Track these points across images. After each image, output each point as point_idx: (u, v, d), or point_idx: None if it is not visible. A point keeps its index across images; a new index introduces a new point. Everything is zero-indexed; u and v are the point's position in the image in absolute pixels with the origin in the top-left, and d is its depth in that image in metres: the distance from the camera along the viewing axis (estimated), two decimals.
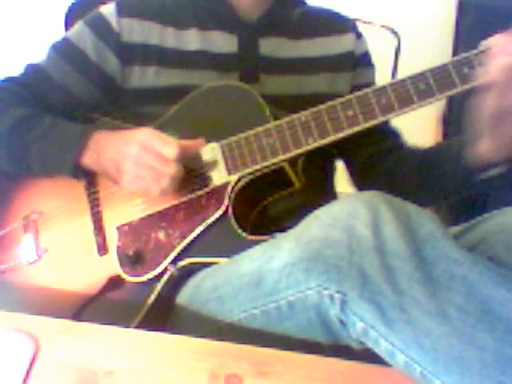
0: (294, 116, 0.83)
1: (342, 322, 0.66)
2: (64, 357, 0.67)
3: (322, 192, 0.98)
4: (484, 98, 0.76)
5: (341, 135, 0.82)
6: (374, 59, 1.12)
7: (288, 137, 0.83)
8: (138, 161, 0.81)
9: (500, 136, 0.79)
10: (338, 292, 0.64)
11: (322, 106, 0.82)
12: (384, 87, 0.81)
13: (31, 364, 0.66)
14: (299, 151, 0.83)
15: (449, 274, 0.62)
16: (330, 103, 0.82)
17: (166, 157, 0.80)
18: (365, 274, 0.63)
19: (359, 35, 1.06)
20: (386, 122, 0.95)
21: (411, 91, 0.80)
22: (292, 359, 0.66)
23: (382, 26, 1.51)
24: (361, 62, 1.05)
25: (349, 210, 0.68)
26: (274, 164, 0.84)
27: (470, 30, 1.63)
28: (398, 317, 0.61)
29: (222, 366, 0.66)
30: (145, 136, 0.82)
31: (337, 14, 1.07)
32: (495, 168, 0.84)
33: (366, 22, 1.34)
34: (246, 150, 0.84)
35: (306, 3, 1.05)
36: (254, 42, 0.96)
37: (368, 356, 0.67)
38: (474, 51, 0.78)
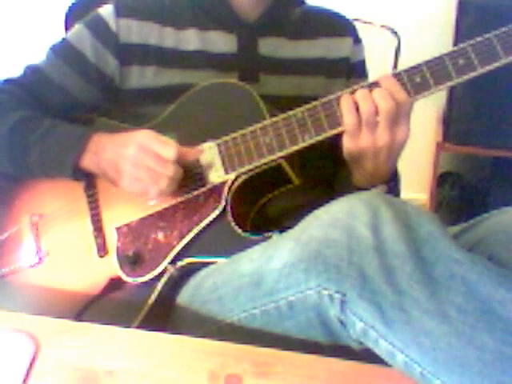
0: (291, 113, 0.83)
1: (341, 322, 0.66)
2: (64, 357, 0.67)
3: (321, 192, 0.98)
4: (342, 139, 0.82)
5: (336, 131, 0.82)
6: (374, 59, 1.12)
7: (284, 134, 0.83)
8: (136, 162, 0.81)
9: (361, 170, 0.85)
10: (337, 292, 0.64)
11: (317, 102, 0.82)
12: (379, 81, 0.81)
13: (31, 364, 0.66)
14: (296, 148, 0.83)
15: (448, 274, 0.62)
16: (325, 99, 0.82)
17: (164, 158, 0.80)
18: (364, 274, 0.63)
19: (358, 40, 1.06)
20: None
21: (408, 85, 0.80)
22: (292, 359, 0.66)
23: (382, 26, 1.51)
24: (355, 71, 1.04)
25: (348, 209, 0.68)
26: (272, 161, 0.84)
27: (469, 30, 1.63)
28: (397, 317, 0.61)
29: (222, 366, 0.66)
30: (143, 137, 0.82)
31: (337, 14, 1.06)
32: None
33: (366, 22, 1.34)
34: (243, 148, 0.84)
35: (305, 3, 1.05)
36: (253, 42, 0.96)
37: (368, 356, 0.67)
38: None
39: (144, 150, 0.81)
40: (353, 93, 0.81)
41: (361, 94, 0.80)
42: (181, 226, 0.86)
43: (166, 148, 0.80)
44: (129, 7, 0.95)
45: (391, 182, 0.88)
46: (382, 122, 0.79)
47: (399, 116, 0.80)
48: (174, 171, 0.81)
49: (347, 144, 0.82)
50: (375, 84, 0.81)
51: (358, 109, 0.80)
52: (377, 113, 0.79)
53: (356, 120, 0.80)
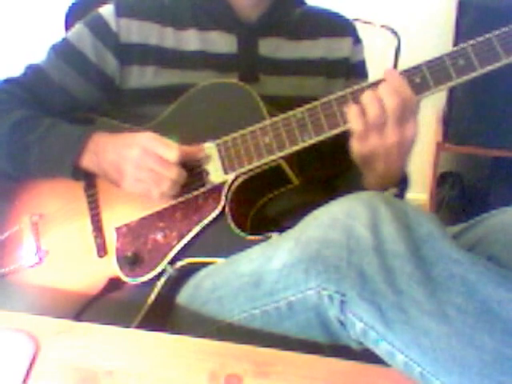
0: (290, 113, 0.83)
1: (341, 322, 0.66)
2: (64, 357, 0.67)
3: (321, 192, 0.98)
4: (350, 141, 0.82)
5: (336, 131, 0.82)
6: (374, 59, 1.12)
7: (284, 134, 0.83)
8: (139, 164, 0.81)
9: (372, 173, 0.85)
10: (337, 292, 0.64)
11: (316, 103, 0.82)
12: (379, 82, 0.81)
13: (31, 364, 0.66)
14: (295, 148, 0.83)
15: (448, 274, 0.62)
16: (324, 99, 0.82)
17: (166, 160, 0.80)
18: (364, 274, 0.63)
19: (358, 40, 1.05)
20: None
21: (408, 85, 0.80)
22: (292, 359, 0.66)
23: (382, 26, 1.52)
24: (355, 71, 1.04)
25: (348, 210, 0.68)
26: (271, 162, 0.84)
27: (470, 30, 1.63)
28: (397, 317, 0.61)
29: (222, 365, 0.66)
30: (146, 139, 0.82)
31: (337, 14, 1.06)
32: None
33: (366, 22, 1.35)
34: (242, 148, 0.84)
35: (305, 3, 1.05)
36: (253, 43, 0.96)
37: (368, 356, 0.67)
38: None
39: (147, 152, 0.81)
40: (356, 95, 0.81)
41: (366, 97, 0.79)
42: (180, 226, 0.86)
43: (169, 150, 0.81)
44: (129, 7, 0.95)
45: (402, 185, 0.88)
46: (389, 121, 0.78)
47: (406, 113, 0.79)
48: (176, 174, 0.81)
49: (357, 147, 0.81)
50: (380, 81, 0.80)
51: (364, 112, 0.79)
52: (383, 112, 0.78)
53: (364, 125, 0.79)
